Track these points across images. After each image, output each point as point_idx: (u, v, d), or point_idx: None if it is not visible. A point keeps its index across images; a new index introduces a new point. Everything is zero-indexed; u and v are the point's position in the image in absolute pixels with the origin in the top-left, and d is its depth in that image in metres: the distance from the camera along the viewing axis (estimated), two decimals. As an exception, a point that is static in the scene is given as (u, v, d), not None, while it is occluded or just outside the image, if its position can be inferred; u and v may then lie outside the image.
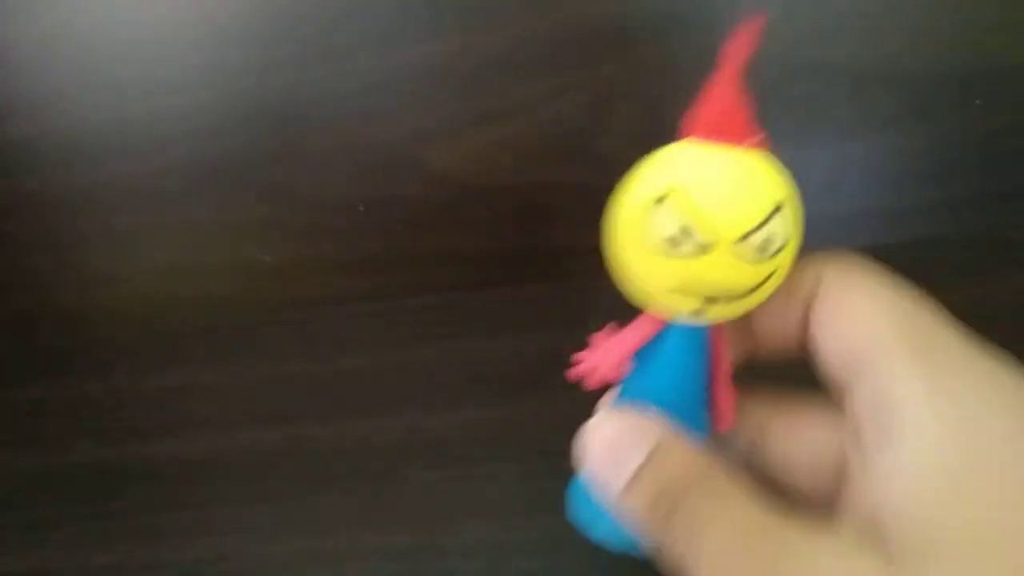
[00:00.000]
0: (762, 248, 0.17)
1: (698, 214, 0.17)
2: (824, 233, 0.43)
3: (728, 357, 0.20)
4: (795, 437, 0.19)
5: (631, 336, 0.20)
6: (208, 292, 0.47)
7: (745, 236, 0.17)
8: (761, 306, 0.18)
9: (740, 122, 0.18)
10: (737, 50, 0.18)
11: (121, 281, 0.47)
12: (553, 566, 0.28)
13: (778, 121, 0.44)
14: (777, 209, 0.17)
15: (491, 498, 0.31)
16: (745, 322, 0.19)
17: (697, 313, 0.18)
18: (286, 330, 0.45)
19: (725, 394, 0.20)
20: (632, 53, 0.41)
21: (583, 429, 0.19)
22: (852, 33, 0.41)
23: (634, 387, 0.20)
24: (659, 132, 0.45)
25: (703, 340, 0.19)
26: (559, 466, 0.31)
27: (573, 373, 0.20)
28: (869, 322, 0.16)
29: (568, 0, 0.40)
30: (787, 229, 0.17)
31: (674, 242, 0.17)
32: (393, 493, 0.32)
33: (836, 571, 0.14)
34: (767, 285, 0.17)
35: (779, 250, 0.17)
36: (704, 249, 0.17)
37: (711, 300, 0.17)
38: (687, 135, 0.19)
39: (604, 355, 0.20)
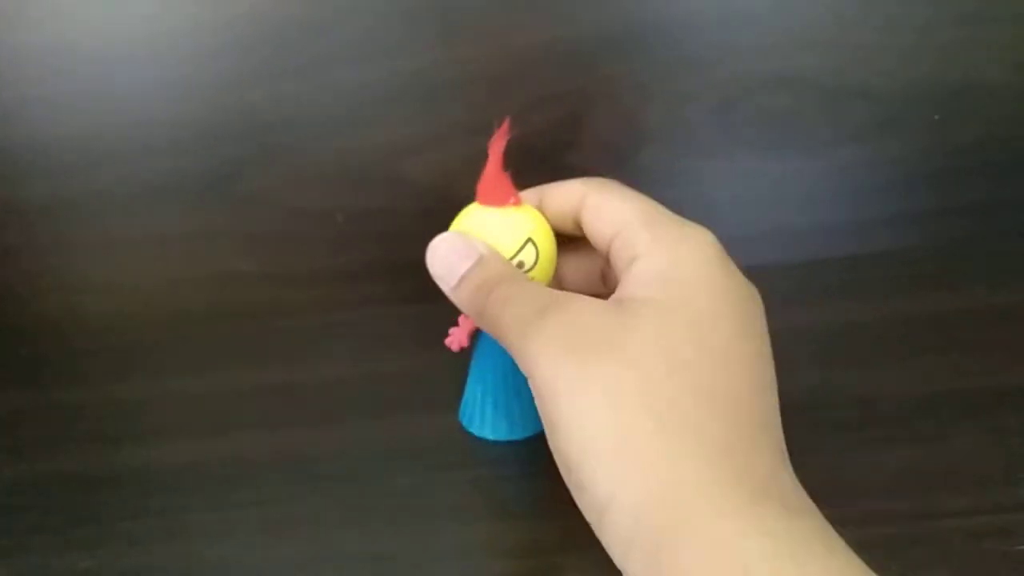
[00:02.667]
0: (519, 266, 0.28)
1: None
2: (794, 242, 0.45)
3: None
4: (577, 266, 0.31)
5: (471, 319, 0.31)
6: (188, 301, 0.47)
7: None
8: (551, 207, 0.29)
9: (503, 191, 0.28)
10: (497, 145, 0.28)
11: (100, 290, 0.47)
12: (535, 568, 0.29)
13: (751, 131, 0.46)
14: (527, 242, 0.28)
15: (471, 502, 0.32)
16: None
17: None
18: (266, 338, 0.45)
19: None
20: (602, 69, 0.42)
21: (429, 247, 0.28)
22: (822, 48, 0.42)
23: (482, 347, 0.33)
24: (626, 146, 0.46)
25: None
26: (540, 470, 0.32)
27: (446, 340, 0.32)
28: (619, 210, 0.27)
29: (542, 17, 0.41)
30: (534, 254, 0.28)
31: None
32: (375, 497, 0.32)
33: (590, 308, 0.24)
34: None
35: (532, 267, 0.28)
36: None
37: None
38: (476, 199, 0.29)
39: (462, 328, 0.32)
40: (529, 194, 0.30)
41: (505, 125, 0.28)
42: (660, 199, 0.29)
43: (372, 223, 0.45)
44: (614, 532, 0.21)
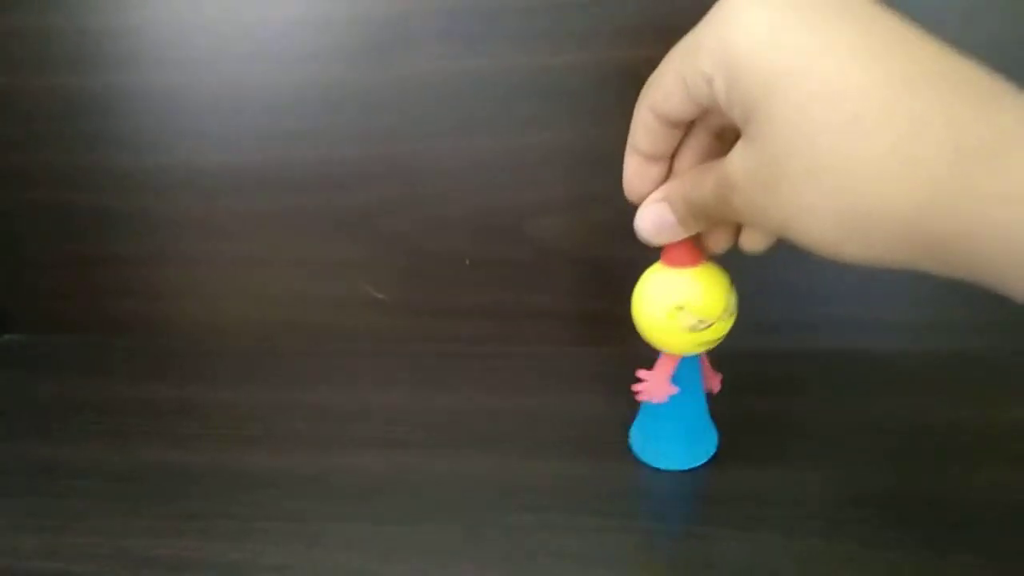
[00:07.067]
0: (731, 313, 0.34)
1: (703, 313, 0.33)
2: (852, 334, 0.46)
3: (707, 361, 0.38)
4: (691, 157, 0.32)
5: (665, 368, 0.36)
6: (318, 317, 0.52)
7: (722, 313, 0.33)
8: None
9: (695, 253, 0.33)
10: None
11: (243, 302, 0.52)
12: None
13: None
14: (731, 287, 0.33)
15: (573, 547, 0.33)
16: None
17: (703, 348, 0.35)
18: (393, 362, 0.49)
19: (712, 377, 0.38)
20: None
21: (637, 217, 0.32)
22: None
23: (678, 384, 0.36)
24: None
25: (699, 359, 0.37)
26: (633, 524, 0.34)
27: (637, 395, 0.36)
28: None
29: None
30: (735, 299, 0.34)
31: (694, 327, 0.33)
32: (487, 530, 0.34)
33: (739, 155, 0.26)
34: (730, 326, 0.34)
35: (734, 311, 0.34)
36: (710, 325, 0.33)
37: (708, 343, 0.34)
38: (663, 261, 0.34)
39: (656, 382, 0.36)
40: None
41: None
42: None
43: (496, 271, 0.48)
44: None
